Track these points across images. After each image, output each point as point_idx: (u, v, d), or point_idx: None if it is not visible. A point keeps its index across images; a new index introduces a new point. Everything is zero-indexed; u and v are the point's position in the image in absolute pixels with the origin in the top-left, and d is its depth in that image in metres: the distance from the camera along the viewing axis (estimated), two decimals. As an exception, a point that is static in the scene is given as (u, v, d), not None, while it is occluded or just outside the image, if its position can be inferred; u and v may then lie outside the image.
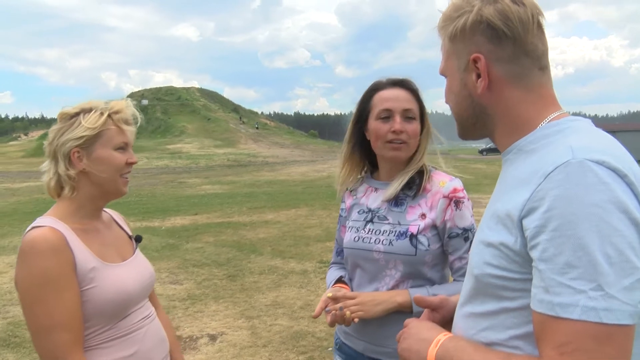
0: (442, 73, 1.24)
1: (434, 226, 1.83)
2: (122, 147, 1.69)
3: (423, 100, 1.93)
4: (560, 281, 0.89)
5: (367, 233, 1.92)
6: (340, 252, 2.14)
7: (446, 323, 1.31)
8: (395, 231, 1.85)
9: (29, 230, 1.53)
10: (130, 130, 1.72)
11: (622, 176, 0.93)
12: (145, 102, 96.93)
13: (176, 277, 7.47)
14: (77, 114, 1.63)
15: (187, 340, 5.14)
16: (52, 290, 1.45)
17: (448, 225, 1.82)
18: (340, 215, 2.16)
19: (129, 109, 1.73)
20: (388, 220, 1.90)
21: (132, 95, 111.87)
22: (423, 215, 1.85)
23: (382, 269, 1.86)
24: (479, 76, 1.13)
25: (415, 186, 1.89)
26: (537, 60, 1.13)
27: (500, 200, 1.09)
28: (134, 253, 1.81)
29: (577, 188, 0.91)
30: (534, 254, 0.94)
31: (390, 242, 1.84)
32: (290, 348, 4.86)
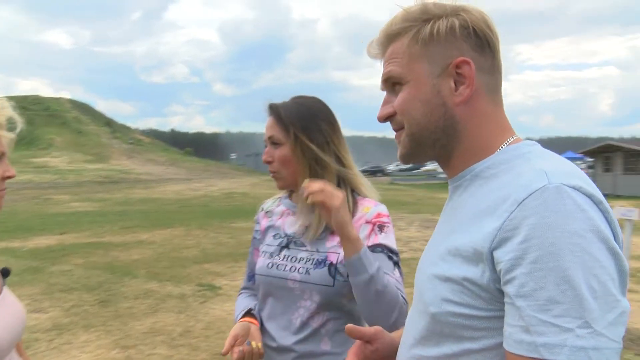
0: (398, 78, 1.08)
1: None
2: None
3: (291, 123, 1.78)
4: (543, 319, 0.81)
5: (282, 260, 1.79)
6: (252, 277, 1.99)
7: (380, 358, 1.23)
8: (313, 259, 1.73)
9: None
10: (6, 137, 1.44)
11: (597, 203, 0.87)
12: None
13: (39, 305, 6.84)
14: None
15: (53, 375, 4.69)
16: None
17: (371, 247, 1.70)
18: (254, 238, 2.00)
19: (5, 111, 1.45)
20: (305, 247, 1.78)
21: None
22: None
23: (296, 299, 1.74)
24: (456, 84, 1.03)
25: None
26: (501, 78, 1.08)
27: (457, 232, 1.01)
28: (0, 292, 1.52)
29: (557, 216, 0.84)
30: (509, 289, 0.85)
31: (307, 271, 1.72)
32: (169, 379, 4.57)
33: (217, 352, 5.11)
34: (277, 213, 1.93)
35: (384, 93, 1.15)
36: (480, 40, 1.03)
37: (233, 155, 69.50)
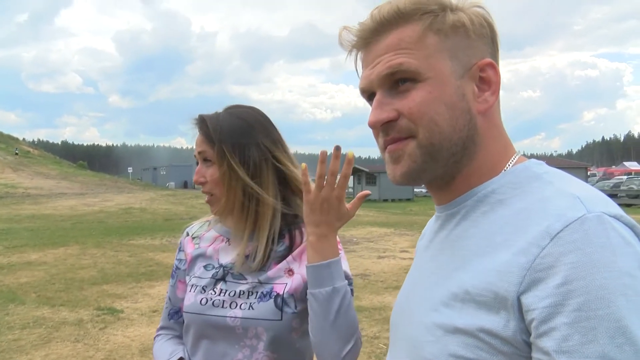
0: (413, 73, 0.85)
1: (304, 283, 1.43)
2: None
3: (220, 140, 1.49)
4: None
5: (219, 294, 1.48)
6: (174, 314, 1.66)
7: None
8: (256, 292, 1.46)
9: None
10: None
11: (638, 234, 0.74)
12: None
13: None
14: None
15: None
16: None
17: None
18: (177, 268, 1.67)
19: None
20: (245, 279, 1.49)
21: None
22: (290, 272, 1.48)
23: (238, 339, 1.45)
24: (478, 89, 0.87)
25: (282, 240, 1.52)
26: None
27: (463, 270, 0.83)
28: None
29: (603, 252, 0.68)
30: (546, 343, 0.68)
31: (251, 306, 1.43)
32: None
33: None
34: (208, 239, 1.62)
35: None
36: (493, 42, 0.90)
37: (130, 169, 67.04)
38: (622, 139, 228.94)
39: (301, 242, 1.51)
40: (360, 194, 1.36)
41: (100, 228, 17.54)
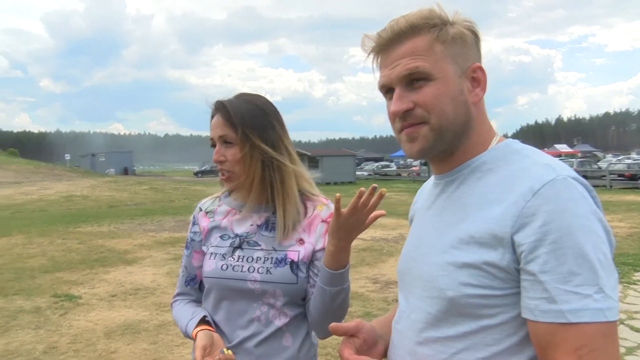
0: (426, 74, 1.13)
1: (313, 252, 1.71)
2: None
3: (242, 123, 1.70)
4: (566, 289, 0.96)
5: (238, 260, 1.71)
6: (190, 281, 1.86)
7: (370, 347, 1.28)
8: (272, 258, 1.70)
9: None
10: None
11: (589, 190, 1.04)
12: None
13: None
14: None
15: None
16: None
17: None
18: (192, 240, 1.86)
19: None
20: (260, 246, 1.72)
21: None
22: (300, 241, 1.72)
23: (257, 298, 1.69)
24: (472, 86, 1.16)
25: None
26: None
27: (466, 221, 1.11)
28: None
29: (568, 202, 0.99)
30: (532, 267, 0.99)
31: (268, 270, 1.68)
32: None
33: (91, 367, 4.67)
34: (221, 213, 1.84)
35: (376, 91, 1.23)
36: (479, 48, 1.19)
37: (67, 156, 64.92)
38: (553, 122, 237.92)
39: (306, 214, 1.75)
40: (376, 213, 1.53)
41: (43, 217, 17.15)
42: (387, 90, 1.20)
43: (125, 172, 64.47)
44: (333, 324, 1.26)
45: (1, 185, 33.36)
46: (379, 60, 1.21)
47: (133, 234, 13.28)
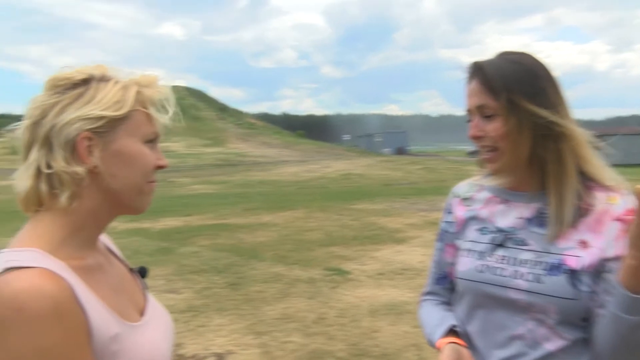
0: None
1: (601, 260, 1.26)
2: (151, 141, 1.10)
3: (507, 88, 1.30)
4: None
5: (499, 262, 1.36)
6: (441, 279, 1.59)
7: None
8: (543, 262, 1.30)
9: (4, 273, 0.89)
10: (160, 120, 1.11)
11: None
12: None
13: (173, 286, 6.89)
14: (85, 82, 1.03)
15: (192, 361, 4.59)
16: None
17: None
18: (445, 231, 1.57)
19: (163, 89, 1.12)
20: (529, 245, 1.34)
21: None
22: (583, 243, 1.29)
23: (521, 312, 1.31)
24: None
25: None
26: None
27: None
28: (145, 298, 1.21)
29: None
30: None
31: (538, 278, 1.29)
32: (310, 371, 4.30)
33: (354, 342, 4.80)
34: (480, 201, 1.49)
35: None
36: None
37: (346, 137, 69.43)
38: None
39: (593, 208, 1.31)
40: None
41: (322, 193, 18.54)
42: None
43: (400, 151, 66.72)
44: None
45: (290, 164, 37.13)
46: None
47: (405, 212, 13.53)
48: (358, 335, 5.03)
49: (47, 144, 1.00)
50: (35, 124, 1.00)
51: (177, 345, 4.88)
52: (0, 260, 0.92)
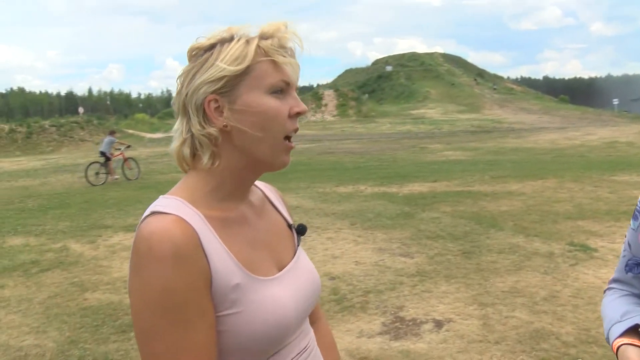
0: None
1: None
2: (281, 90, 1.11)
3: None
4: None
5: None
6: (634, 266, 1.35)
7: None
8: None
9: (147, 216, 1.05)
10: (293, 65, 1.13)
11: None
12: (389, 68, 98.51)
13: (407, 250, 7.09)
14: (212, 47, 1.11)
15: (410, 323, 4.70)
16: (176, 318, 0.99)
17: None
18: None
19: (288, 33, 1.13)
20: None
21: (376, 62, 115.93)
22: None
23: None
24: None
25: None
26: None
27: None
28: (294, 254, 1.26)
29: None
30: None
31: None
32: (528, 350, 4.11)
33: (586, 327, 4.41)
34: None
35: None
36: None
37: (615, 101, 62.56)
38: None
39: None
40: None
41: (579, 162, 17.12)
42: None
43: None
44: None
45: (548, 130, 34.92)
46: None
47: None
48: (592, 320, 4.58)
49: (185, 111, 1.13)
50: (178, 94, 1.14)
51: (398, 308, 5.05)
52: (152, 204, 1.08)
